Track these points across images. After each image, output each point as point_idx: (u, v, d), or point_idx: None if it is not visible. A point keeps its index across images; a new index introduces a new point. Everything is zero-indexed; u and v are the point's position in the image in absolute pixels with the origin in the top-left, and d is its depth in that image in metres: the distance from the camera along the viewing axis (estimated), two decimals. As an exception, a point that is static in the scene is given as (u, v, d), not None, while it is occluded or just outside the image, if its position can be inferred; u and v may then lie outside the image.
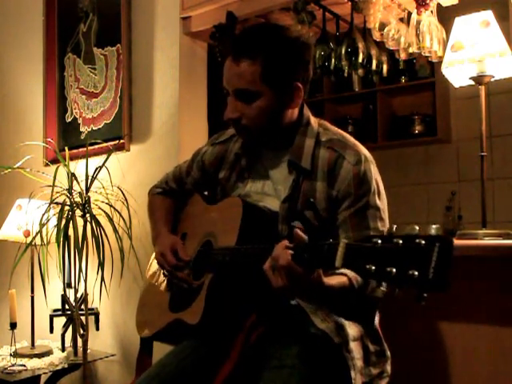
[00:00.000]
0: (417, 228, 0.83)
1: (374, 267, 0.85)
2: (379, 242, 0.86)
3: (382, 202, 1.31)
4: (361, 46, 2.32)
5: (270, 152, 1.41)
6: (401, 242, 0.83)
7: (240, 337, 1.29)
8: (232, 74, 1.29)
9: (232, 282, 1.30)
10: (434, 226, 0.81)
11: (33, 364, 2.33)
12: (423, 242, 0.80)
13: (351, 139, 1.36)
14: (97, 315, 2.52)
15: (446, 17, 2.27)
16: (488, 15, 1.85)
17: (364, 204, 1.27)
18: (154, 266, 1.62)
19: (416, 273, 0.79)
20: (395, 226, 0.87)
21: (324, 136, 1.35)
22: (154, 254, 1.65)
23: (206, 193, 1.59)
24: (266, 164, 1.42)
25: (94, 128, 2.75)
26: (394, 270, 0.82)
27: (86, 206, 2.38)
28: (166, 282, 1.53)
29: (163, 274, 1.51)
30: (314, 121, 1.39)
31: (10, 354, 2.39)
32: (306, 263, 1.03)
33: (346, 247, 0.93)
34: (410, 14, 2.27)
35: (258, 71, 1.26)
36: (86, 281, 2.32)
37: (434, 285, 0.78)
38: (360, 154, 1.31)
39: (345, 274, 1.17)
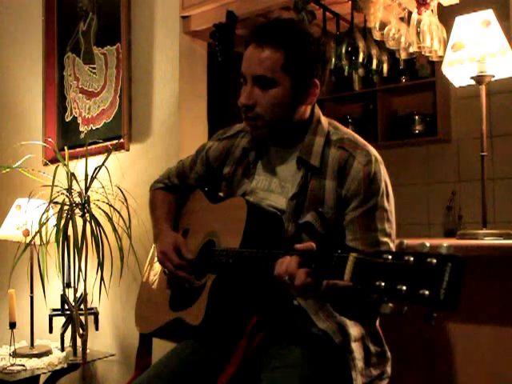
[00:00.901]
0: (427, 245, 0.82)
1: (383, 283, 0.84)
2: (389, 257, 0.85)
3: (390, 204, 1.31)
4: (361, 45, 2.31)
5: (279, 149, 1.40)
6: (412, 259, 0.82)
7: (243, 339, 1.28)
8: (253, 60, 1.29)
9: (235, 284, 1.29)
10: (444, 245, 0.80)
11: (32, 364, 2.32)
12: (435, 260, 0.79)
13: (361, 139, 1.35)
14: (96, 315, 2.51)
15: (446, 16, 2.27)
16: (488, 15, 1.85)
17: (372, 205, 1.27)
18: (153, 261, 1.61)
19: (427, 292, 0.78)
20: (406, 242, 0.87)
21: (334, 135, 1.35)
22: (152, 249, 1.64)
23: (206, 189, 1.58)
24: (273, 161, 1.41)
25: (93, 127, 2.74)
26: (405, 287, 0.81)
27: (85, 205, 2.38)
28: (166, 279, 1.52)
29: (164, 272, 1.50)
30: (324, 120, 1.39)
31: (10, 354, 2.39)
32: (314, 274, 1.02)
33: (356, 261, 0.92)
34: (410, 13, 2.27)
35: (280, 59, 1.27)
36: (85, 280, 2.32)
37: (445, 305, 0.78)
38: (370, 154, 1.31)
39: None
